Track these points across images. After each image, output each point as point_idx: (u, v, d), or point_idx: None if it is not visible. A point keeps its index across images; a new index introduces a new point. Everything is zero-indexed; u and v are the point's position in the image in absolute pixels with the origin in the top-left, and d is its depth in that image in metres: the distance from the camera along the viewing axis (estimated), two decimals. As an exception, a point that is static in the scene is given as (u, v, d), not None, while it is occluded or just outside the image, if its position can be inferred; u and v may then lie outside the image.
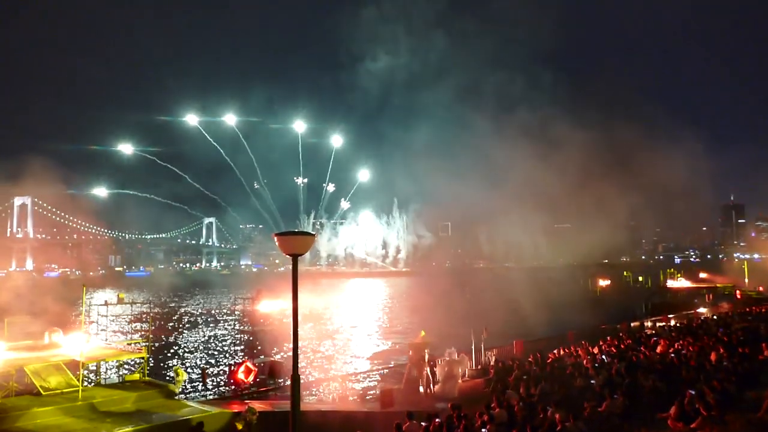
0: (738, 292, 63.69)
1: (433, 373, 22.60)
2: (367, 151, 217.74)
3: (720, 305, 54.82)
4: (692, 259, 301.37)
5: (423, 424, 14.07)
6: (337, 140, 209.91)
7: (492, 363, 24.89)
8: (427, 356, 22.42)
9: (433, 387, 22.05)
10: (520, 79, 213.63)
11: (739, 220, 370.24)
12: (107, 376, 20.67)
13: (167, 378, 20.27)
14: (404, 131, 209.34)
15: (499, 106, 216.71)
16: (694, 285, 75.71)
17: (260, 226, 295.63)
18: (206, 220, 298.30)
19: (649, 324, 38.73)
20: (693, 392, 13.61)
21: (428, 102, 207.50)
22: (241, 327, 67.89)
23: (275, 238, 10.02)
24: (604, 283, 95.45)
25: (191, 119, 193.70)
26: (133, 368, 20.22)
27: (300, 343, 10.05)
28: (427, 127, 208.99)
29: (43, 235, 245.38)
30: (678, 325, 34.80)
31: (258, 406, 18.66)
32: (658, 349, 22.11)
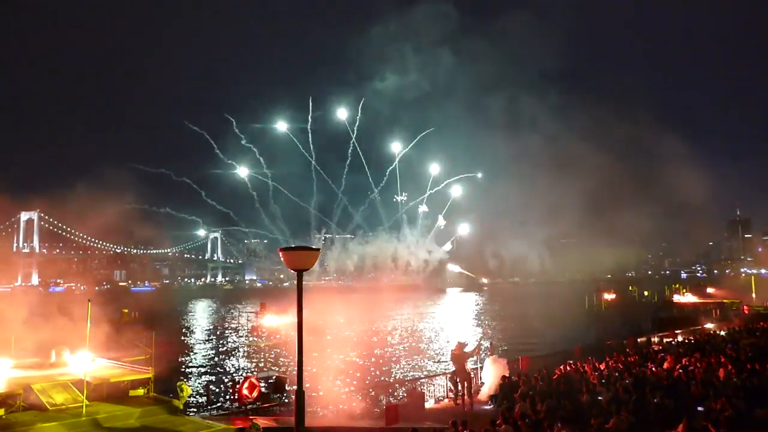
0: (745, 307, 63.21)
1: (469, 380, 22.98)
2: (379, 166, 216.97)
3: (731, 320, 54.24)
4: (699, 274, 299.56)
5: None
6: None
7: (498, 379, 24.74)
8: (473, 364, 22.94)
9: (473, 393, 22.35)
10: (525, 97, 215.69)
11: (746, 235, 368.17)
12: (112, 392, 20.64)
13: (172, 393, 20.20)
14: (413, 149, 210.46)
15: (504, 124, 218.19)
16: (701, 300, 75.17)
17: (265, 241, 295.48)
18: (211, 235, 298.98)
19: (656, 339, 38.45)
20: (702, 409, 13.49)
21: (437, 119, 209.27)
22: (246, 341, 67.74)
23: (281, 254, 10.06)
24: (609, 297, 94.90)
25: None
26: (138, 383, 20.21)
27: (305, 358, 10.04)
28: (434, 144, 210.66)
29: (45, 251, 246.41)
30: (685, 340, 34.55)
31: (262, 421, 18.58)
32: (666, 365, 21.95)
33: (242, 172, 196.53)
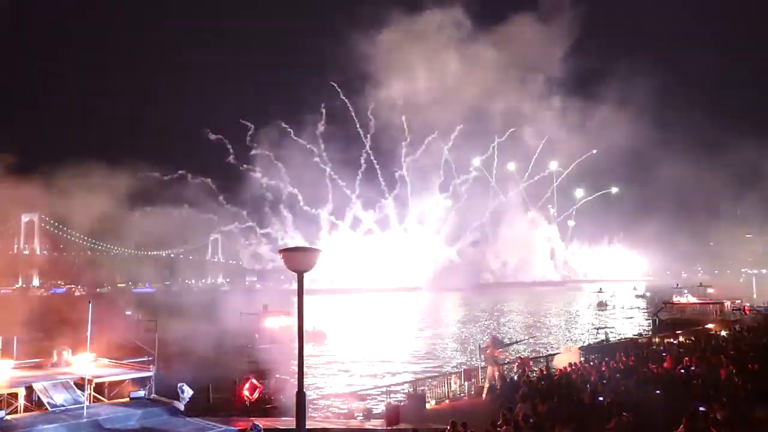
0: (746, 307, 63.12)
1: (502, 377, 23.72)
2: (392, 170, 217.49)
3: (739, 321, 54.02)
4: (699, 274, 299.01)
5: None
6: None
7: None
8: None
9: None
10: (526, 101, 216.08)
11: (746, 235, 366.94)
12: (113, 393, 20.67)
13: (173, 395, 20.22)
14: (421, 153, 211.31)
15: (506, 126, 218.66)
16: (702, 300, 75.04)
17: (266, 242, 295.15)
18: (212, 237, 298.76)
19: (656, 340, 38.41)
20: (703, 409, 13.45)
21: (438, 123, 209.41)
22: (247, 343, 67.65)
23: (280, 254, 10.01)
24: (610, 297, 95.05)
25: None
26: (139, 385, 20.24)
27: (306, 359, 10.04)
28: (435, 148, 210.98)
29: (47, 252, 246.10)
30: (686, 340, 34.51)
31: (263, 423, 18.58)
32: (666, 365, 21.91)
33: (256, 176, 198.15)
